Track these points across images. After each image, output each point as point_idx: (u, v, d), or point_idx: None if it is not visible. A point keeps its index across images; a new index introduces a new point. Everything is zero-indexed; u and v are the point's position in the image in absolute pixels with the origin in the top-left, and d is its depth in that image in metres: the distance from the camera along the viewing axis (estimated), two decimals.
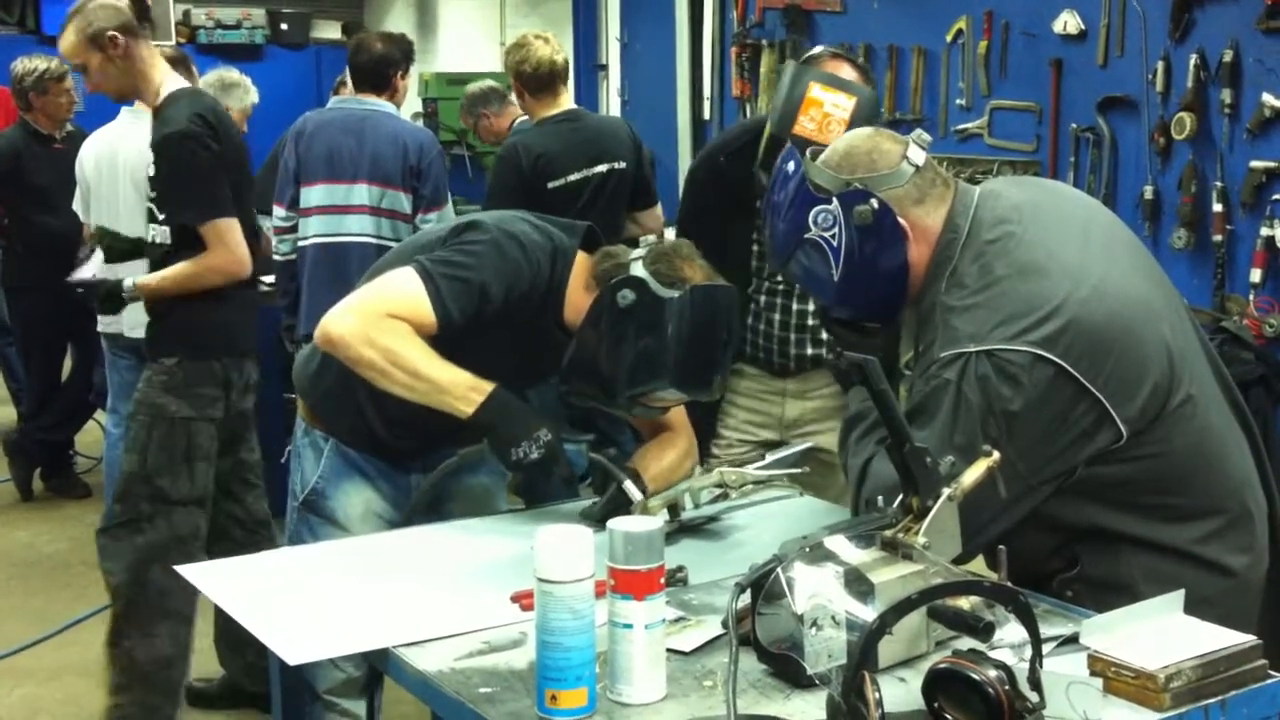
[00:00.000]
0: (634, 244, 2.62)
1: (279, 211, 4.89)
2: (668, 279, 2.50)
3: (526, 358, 2.65)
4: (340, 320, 2.53)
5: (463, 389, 2.48)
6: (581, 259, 2.65)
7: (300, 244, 4.85)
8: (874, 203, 2.20)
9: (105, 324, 5.08)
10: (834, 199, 2.22)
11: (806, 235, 2.25)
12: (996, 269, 2.14)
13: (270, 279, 5.01)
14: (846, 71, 3.06)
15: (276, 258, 4.94)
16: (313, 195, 4.80)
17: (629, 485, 2.55)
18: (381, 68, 4.91)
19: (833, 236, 2.22)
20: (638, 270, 2.52)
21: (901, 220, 2.21)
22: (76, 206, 5.21)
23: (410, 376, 2.48)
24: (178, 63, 5.04)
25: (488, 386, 2.49)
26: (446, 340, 2.52)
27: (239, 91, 5.77)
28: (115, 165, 5.01)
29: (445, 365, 2.50)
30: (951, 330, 2.13)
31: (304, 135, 4.84)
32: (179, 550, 3.66)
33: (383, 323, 2.49)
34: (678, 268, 2.52)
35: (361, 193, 4.76)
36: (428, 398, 2.49)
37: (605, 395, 2.56)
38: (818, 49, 3.30)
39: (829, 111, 2.83)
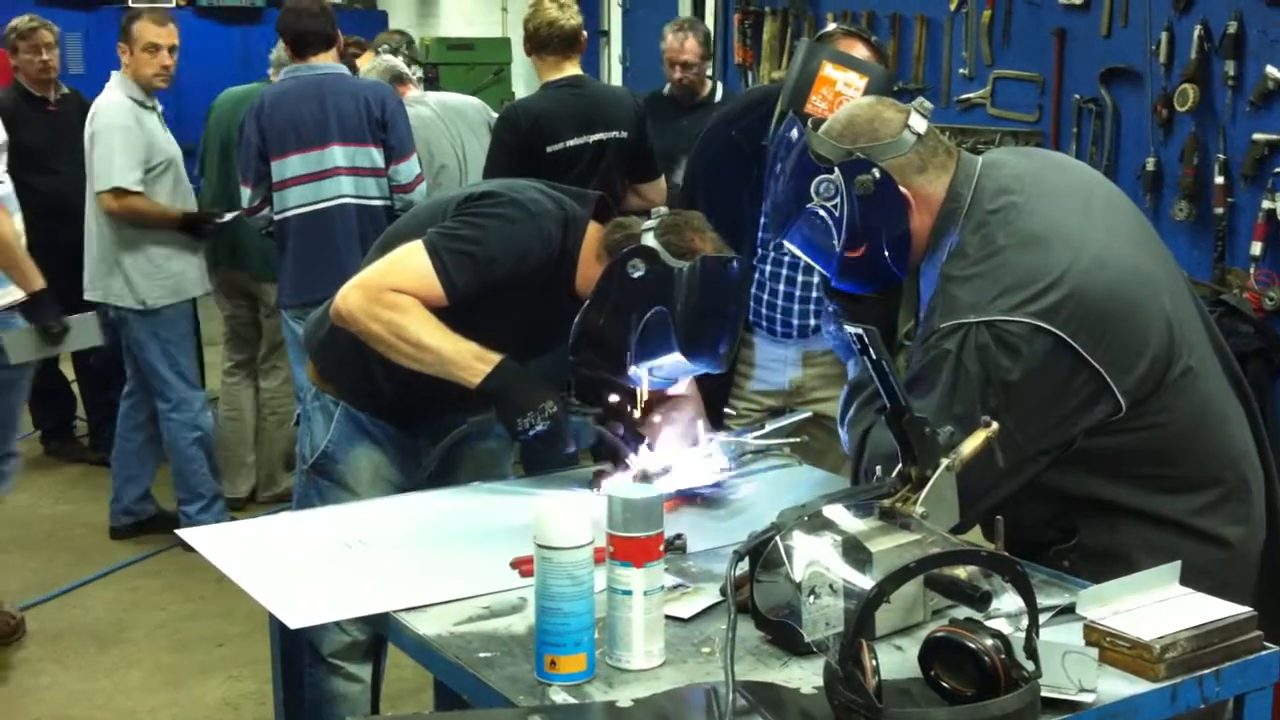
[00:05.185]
0: (646, 216, 2.62)
1: (246, 192, 4.89)
2: (678, 249, 2.50)
3: (538, 327, 2.66)
4: (347, 295, 2.59)
5: (469, 359, 2.51)
6: (593, 229, 2.65)
7: (278, 217, 4.84)
8: (875, 172, 2.19)
9: (88, 293, 5.10)
10: (835, 169, 2.22)
11: (808, 205, 2.25)
12: (998, 239, 2.14)
13: None
14: (860, 50, 3.05)
15: None
16: (287, 167, 4.80)
17: (635, 458, 2.57)
18: (329, 26, 4.93)
19: (834, 206, 2.22)
20: (649, 240, 2.52)
21: (903, 189, 2.21)
22: None
23: (416, 349, 2.52)
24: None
25: (495, 357, 2.51)
26: (458, 310, 2.54)
27: None
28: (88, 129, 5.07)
29: (451, 337, 2.52)
30: (952, 300, 2.13)
31: (264, 110, 4.82)
32: None
33: (387, 297, 2.54)
34: (688, 239, 2.52)
35: (335, 155, 4.77)
36: (435, 369, 2.53)
37: (614, 365, 2.57)
38: (831, 26, 3.30)
39: (841, 90, 2.82)
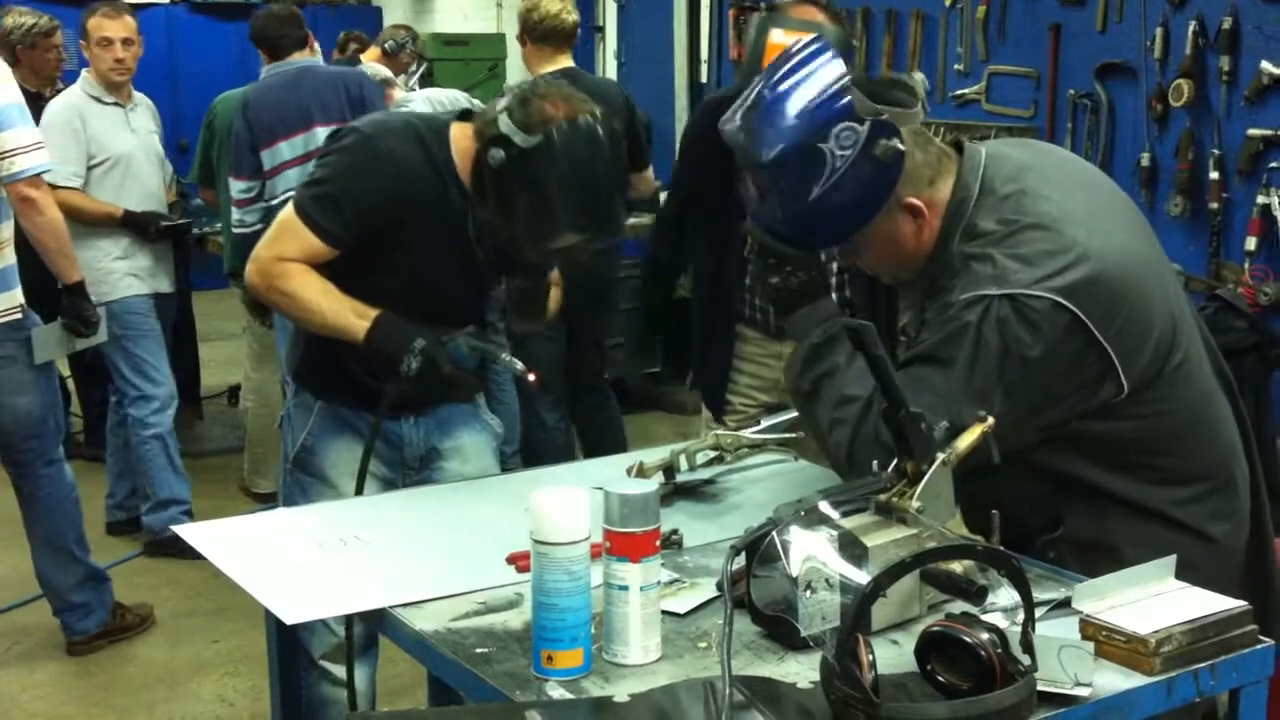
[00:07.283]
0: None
1: (239, 184, 4.99)
2: (529, 125, 2.45)
3: (470, 251, 2.66)
4: (248, 271, 2.67)
5: (350, 318, 2.58)
6: (461, 129, 2.62)
7: (273, 203, 4.90)
8: (897, 143, 2.14)
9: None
10: (867, 121, 2.13)
11: (820, 143, 2.14)
12: (1018, 218, 2.14)
13: None
14: (814, 15, 3.02)
15: (241, 230, 5.00)
16: (277, 154, 4.94)
17: (507, 357, 2.62)
18: (302, 28, 5.19)
19: (842, 158, 2.13)
20: (502, 123, 2.47)
21: (914, 200, 2.18)
22: None
23: (307, 313, 2.61)
24: None
25: (372, 313, 2.57)
26: (366, 258, 2.59)
27: None
28: None
29: (335, 297, 2.58)
30: (973, 273, 2.12)
31: (249, 106, 5.01)
32: None
33: (275, 267, 2.61)
34: (538, 109, 2.46)
35: (318, 136, 4.83)
36: (328, 331, 2.60)
37: (518, 255, 2.60)
38: None
39: None
